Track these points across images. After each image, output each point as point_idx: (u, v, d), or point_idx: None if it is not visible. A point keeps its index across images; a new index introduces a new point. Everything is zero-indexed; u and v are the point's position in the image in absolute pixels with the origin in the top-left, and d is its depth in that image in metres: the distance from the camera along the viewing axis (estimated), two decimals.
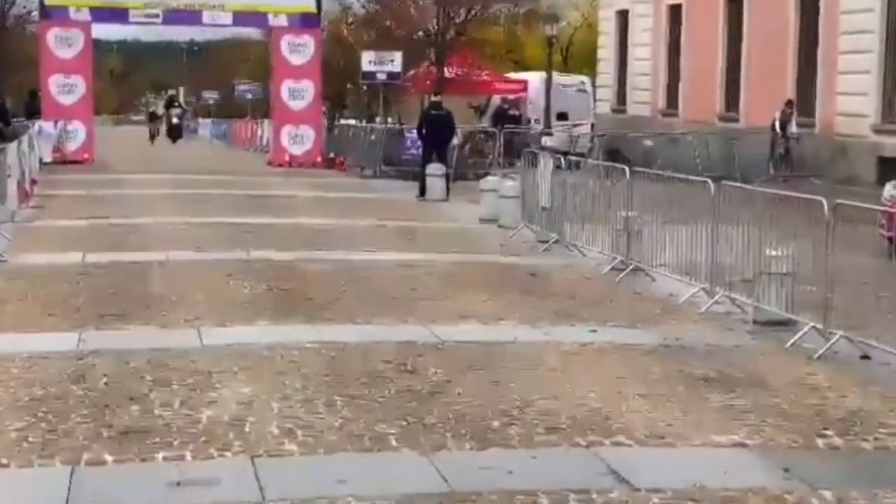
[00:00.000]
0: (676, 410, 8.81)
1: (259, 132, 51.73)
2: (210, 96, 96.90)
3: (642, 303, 13.51)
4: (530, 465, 7.53)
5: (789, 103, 31.65)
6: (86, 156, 35.46)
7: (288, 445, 7.77)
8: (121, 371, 9.68)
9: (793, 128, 31.13)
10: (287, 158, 36.56)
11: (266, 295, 13.36)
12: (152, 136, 59.61)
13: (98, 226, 19.77)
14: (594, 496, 6.87)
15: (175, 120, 60.69)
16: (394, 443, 7.88)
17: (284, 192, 27.33)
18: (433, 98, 28.93)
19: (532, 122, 38.71)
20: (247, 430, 8.08)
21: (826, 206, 11.52)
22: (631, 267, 15.22)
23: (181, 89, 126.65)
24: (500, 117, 36.66)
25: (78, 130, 35.57)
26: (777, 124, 31.28)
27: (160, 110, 67.31)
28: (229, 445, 7.73)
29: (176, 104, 66.54)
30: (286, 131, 36.91)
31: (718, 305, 13.00)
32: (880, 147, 28.62)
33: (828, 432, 8.32)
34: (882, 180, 21.76)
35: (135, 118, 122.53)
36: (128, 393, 9.00)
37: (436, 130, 26.70)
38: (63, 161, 34.05)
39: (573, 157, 22.03)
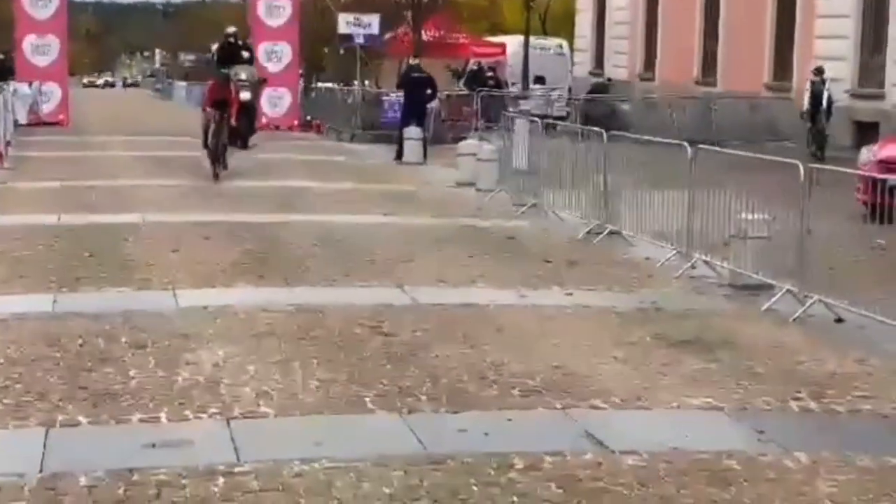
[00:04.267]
0: (652, 373, 8.84)
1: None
2: (186, 58, 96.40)
3: (619, 266, 13.53)
4: (506, 427, 7.55)
5: (818, 71, 28.13)
6: (61, 117, 35.23)
7: (263, 407, 7.76)
8: (96, 333, 9.64)
9: (825, 100, 27.35)
10: (264, 121, 36.36)
11: (242, 257, 13.32)
12: (217, 156, 21.90)
13: (73, 188, 19.67)
14: (569, 458, 6.88)
15: (246, 94, 26.84)
16: (369, 405, 7.88)
17: (261, 154, 27.20)
18: (412, 61, 28.81)
19: (510, 85, 38.61)
20: (222, 391, 8.07)
21: (802, 170, 11.54)
22: (607, 231, 15.24)
23: (157, 52, 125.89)
24: (477, 81, 36.55)
25: (53, 92, 35.30)
26: (807, 98, 27.86)
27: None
28: (205, 407, 7.71)
29: (246, 52, 29.86)
30: (263, 94, 36.67)
31: (694, 269, 13.02)
32: (857, 111, 28.68)
33: (802, 395, 8.36)
34: (858, 145, 21.83)
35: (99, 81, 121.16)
36: (103, 355, 8.97)
37: (415, 93, 26.62)
38: (38, 123, 33.83)
39: (550, 121, 21.99)
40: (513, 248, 14.64)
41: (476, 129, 29.35)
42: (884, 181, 12.64)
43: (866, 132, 26.12)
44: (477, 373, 8.67)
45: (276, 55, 36.37)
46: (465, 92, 34.28)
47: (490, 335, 9.90)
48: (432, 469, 6.64)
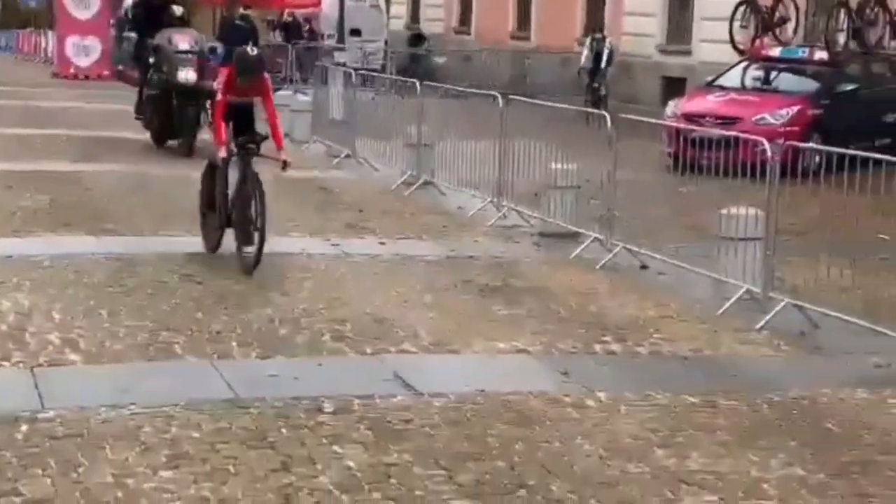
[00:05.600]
0: (461, 319, 8.97)
1: (43, 43, 49.98)
2: None
3: (431, 216, 13.63)
4: (316, 371, 7.61)
5: (600, 29, 28.12)
6: None
7: (70, 355, 7.65)
8: None
9: (605, 60, 26.70)
10: (73, 70, 35.49)
11: (48, 206, 13.01)
12: (244, 231, 10.37)
13: None
14: (377, 401, 6.96)
15: (190, 74, 17.51)
16: (179, 351, 7.84)
17: (70, 103, 26.57)
18: (242, 11, 28.22)
19: (325, 37, 38.37)
20: (27, 340, 7.92)
21: (609, 121, 11.80)
22: (421, 181, 15.33)
23: None
24: (293, 33, 36.24)
25: None
26: (585, 55, 27.13)
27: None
28: (7, 356, 7.57)
29: (179, 8, 19.67)
30: (71, 42, 35.76)
31: (506, 219, 13.20)
32: (665, 67, 29.32)
33: (606, 338, 8.59)
34: (666, 99, 22.35)
35: None
36: None
37: (237, 43, 26.15)
38: None
39: (365, 73, 21.99)
40: (327, 198, 14.63)
41: (291, 81, 29.12)
42: (687, 133, 13.02)
43: (674, 87, 26.71)
44: (289, 319, 8.68)
45: (84, 3, 35.47)
46: (281, 43, 33.94)
47: (302, 282, 9.92)
48: (242, 413, 6.64)
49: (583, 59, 27.34)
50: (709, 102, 18.76)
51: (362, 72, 21.72)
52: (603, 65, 26.80)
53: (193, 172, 16.05)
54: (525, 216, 13.04)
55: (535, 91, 28.32)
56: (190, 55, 17.74)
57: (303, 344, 8.15)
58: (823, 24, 20.12)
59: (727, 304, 9.46)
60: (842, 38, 19.85)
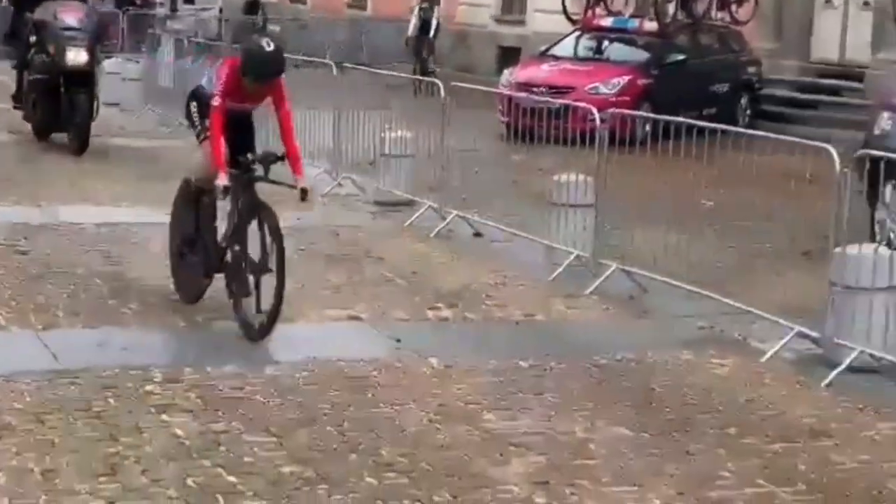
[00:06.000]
0: (295, 287, 8.85)
1: None
2: None
3: (264, 185, 13.47)
4: (146, 341, 7.51)
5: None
6: None
7: None
8: None
9: (433, 29, 26.60)
10: None
11: None
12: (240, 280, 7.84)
13: None
14: (208, 370, 6.92)
15: (80, 55, 14.70)
16: (2, 322, 7.67)
17: None
18: None
19: (158, 4, 37.72)
20: None
21: (443, 89, 11.84)
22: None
23: None
24: None
25: None
26: (413, 25, 27.01)
27: None
28: None
29: None
30: None
31: (341, 187, 13.16)
32: (500, 37, 29.53)
33: (439, 305, 8.65)
34: (501, 69, 22.53)
35: None
36: None
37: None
38: None
39: (200, 41, 21.67)
40: (158, 168, 14.34)
41: (122, 49, 28.56)
42: (521, 102, 13.16)
43: (510, 56, 26.92)
44: (118, 289, 8.55)
45: None
46: (111, 10, 33.24)
47: (133, 252, 9.77)
48: (67, 384, 6.53)
49: (410, 27, 27.39)
50: (542, 72, 18.93)
51: (195, 40, 21.40)
52: (431, 34, 26.86)
53: (19, 139, 15.70)
54: (360, 185, 13.02)
55: (371, 60, 28.28)
56: (80, 33, 15.02)
57: (132, 314, 8.03)
58: None
59: (558, 270, 9.59)
60: (671, 9, 20.21)
